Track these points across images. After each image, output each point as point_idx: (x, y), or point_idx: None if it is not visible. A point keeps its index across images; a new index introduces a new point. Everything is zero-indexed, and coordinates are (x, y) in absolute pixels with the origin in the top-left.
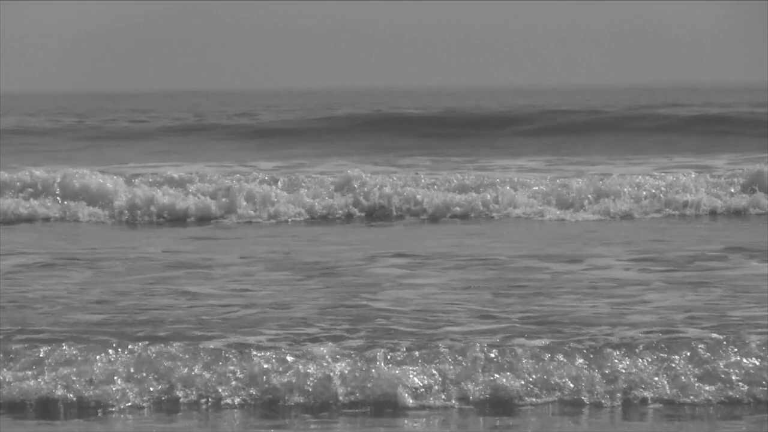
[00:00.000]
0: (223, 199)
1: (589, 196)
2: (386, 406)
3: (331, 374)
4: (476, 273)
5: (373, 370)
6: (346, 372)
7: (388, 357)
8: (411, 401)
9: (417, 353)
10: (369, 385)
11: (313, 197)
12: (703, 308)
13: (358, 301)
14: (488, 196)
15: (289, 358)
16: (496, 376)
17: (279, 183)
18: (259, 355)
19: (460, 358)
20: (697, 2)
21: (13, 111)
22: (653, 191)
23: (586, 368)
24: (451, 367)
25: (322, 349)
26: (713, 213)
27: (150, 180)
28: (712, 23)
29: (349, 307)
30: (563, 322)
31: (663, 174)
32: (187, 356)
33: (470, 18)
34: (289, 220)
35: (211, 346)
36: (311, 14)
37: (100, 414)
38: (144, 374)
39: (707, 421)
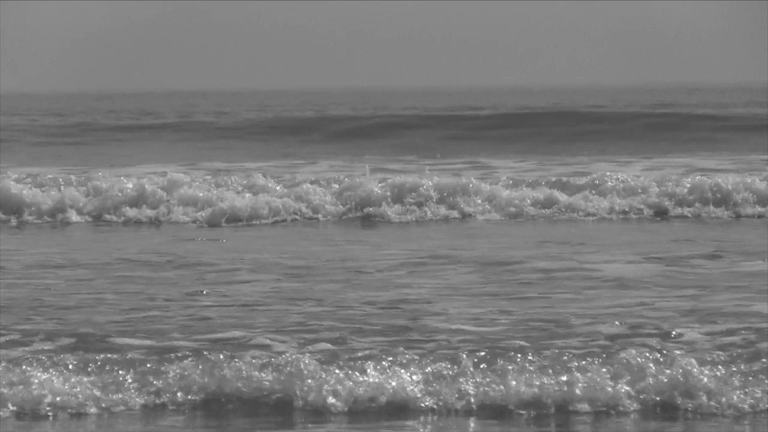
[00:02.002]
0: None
1: (577, 195)
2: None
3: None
4: (471, 274)
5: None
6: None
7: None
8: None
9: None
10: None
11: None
12: (696, 310)
13: (346, 303)
14: (479, 198)
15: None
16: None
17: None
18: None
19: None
20: (697, 2)
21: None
22: (639, 191)
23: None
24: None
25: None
26: (696, 214)
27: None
28: (712, 23)
29: (337, 308)
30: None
31: (650, 173)
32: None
33: (470, 18)
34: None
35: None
36: (311, 14)
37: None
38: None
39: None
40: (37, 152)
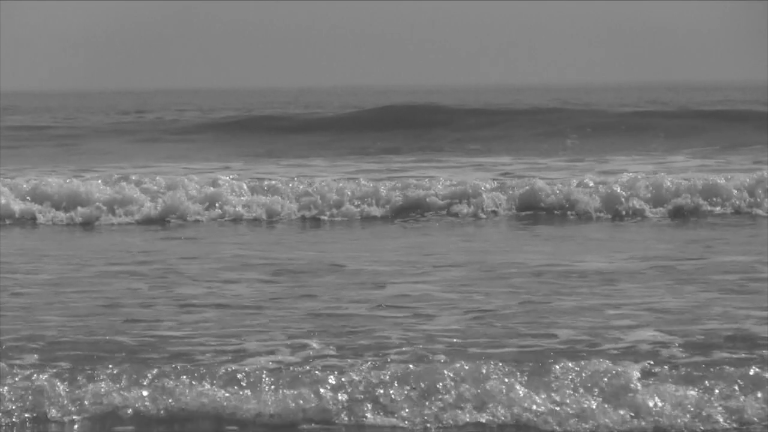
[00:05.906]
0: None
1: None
2: None
3: None
4: (453, 274)
5: None
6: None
7: None
8: None
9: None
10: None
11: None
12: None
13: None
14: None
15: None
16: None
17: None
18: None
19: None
20: (697, 2)
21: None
22: (619, 191)
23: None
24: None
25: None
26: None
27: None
28: (712, 23)
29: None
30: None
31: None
32: None
33: (470, 18)
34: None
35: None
36: (311, 14)
37: None
38: None
39: None
40: None
